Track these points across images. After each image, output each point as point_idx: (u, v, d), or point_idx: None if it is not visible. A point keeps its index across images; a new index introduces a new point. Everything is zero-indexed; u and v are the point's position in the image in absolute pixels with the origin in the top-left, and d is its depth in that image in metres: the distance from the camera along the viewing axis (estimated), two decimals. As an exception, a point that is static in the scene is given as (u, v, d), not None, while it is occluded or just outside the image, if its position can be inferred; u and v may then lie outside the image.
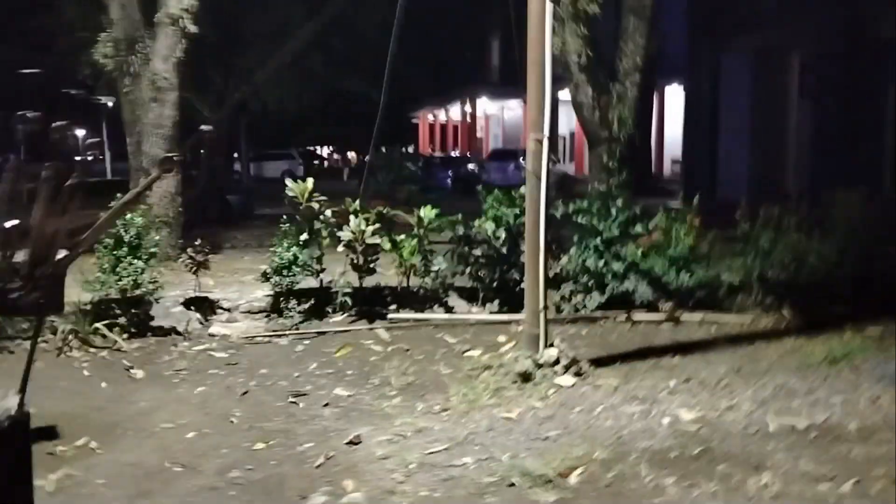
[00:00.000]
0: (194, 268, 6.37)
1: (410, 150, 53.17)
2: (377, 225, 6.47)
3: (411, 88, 45.26)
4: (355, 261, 6.57)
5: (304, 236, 6.51)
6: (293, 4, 14.07)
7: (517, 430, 4.02)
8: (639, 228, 6.55)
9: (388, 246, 6.55)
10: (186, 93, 14.99)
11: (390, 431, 4.04)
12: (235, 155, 29.36)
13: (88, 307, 6.03)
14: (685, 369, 4.95)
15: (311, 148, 51.80)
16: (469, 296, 6.92)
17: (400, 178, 19.21)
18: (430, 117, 50.73)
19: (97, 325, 5.89)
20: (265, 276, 6.48)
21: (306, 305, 6.48)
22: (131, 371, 5.30)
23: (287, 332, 6.17)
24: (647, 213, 6.73)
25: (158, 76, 7.92)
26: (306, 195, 6.45)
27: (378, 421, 4.23)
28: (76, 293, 6.10)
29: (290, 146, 44.15)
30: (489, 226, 6.68)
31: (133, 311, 6.08)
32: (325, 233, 6.54)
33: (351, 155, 52.99)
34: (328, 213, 6.56)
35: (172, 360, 5.54)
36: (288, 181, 6.57)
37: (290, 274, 6.46)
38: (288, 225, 6.61)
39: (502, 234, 6.68)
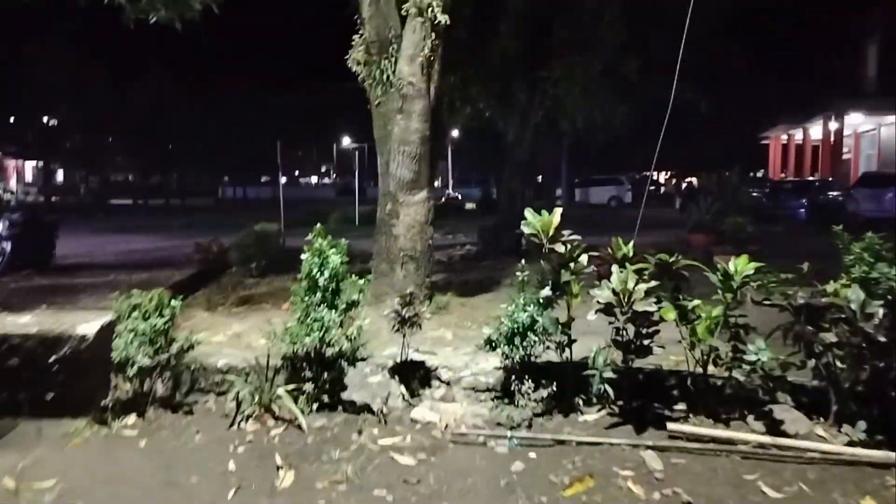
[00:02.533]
0: (397, 327, 4.78)
1: (759, 174, 47.36)
2: (653, 282, 4.18)
3: (761, 104, 40.14)
4: (619, 333, 4.37)
5: (545, 292, 4.52)
6: (605, 4, 12.12)
7: None
8: None
9: (671, 315, 4.21)
10: (487, 103, 14.31)
11: None
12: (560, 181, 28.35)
13: (280, 364, 4.83)
14: None
15: (646, 173, 49.05)
16: (811, 405, 4.25)
17: (731, 205, 15.92)
18: (784, 137, 44.39)
19: (280, 390, 4.63)
20: (490, 344, 4.62)
21: (547, 391, 4.47)
22: (279, 472, 3.85)
23: (512, 433, 4.22)
24: None
25: (403, 80, 6.62)
26: (550, 232, 4.45)
27: None
28: (263, 345, 4.98)
29: (624, 170, 42.23)
30: (853, 293, 3.96)
31: (325, 374, 4.72)
32: (575, 288, 4.47)
33: (691, 181, 48.86)
34: (583, 259, 4.47)
35: (339, 462, 3.97)
36: (527, 213, 4.63)
37: (526, 343, 4.51)
38: (524, 274, 4.68)
39: (877, 310, 3.92)
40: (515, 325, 4.51)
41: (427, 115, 6.66)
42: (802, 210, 24.03)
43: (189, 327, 6.77)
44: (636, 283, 4.09)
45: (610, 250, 4.56)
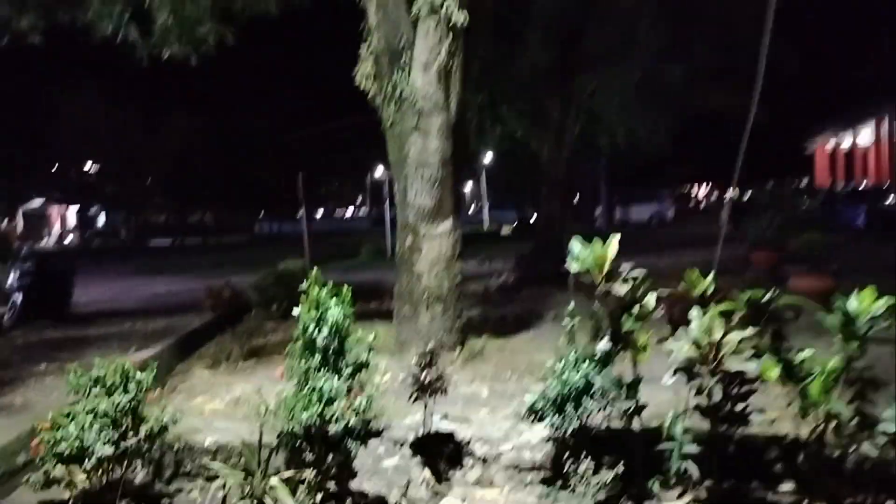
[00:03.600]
0: (416, 395, 3.83)
1: (804, 183, 45.42)
2: (748, 330, 3.16)
3: (806, 110, 38.51)
4: (703, 392, 3.36)
5: (603, 345, 3.54)
6: (643, 6, 11.10)
7: None
8: None
9: (774, 374, 3.18)
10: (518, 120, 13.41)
11: None
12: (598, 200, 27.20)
13: (276, 443, 3.92)
14: None
15: (685, 189, 47.50)
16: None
17: (791, 218, 14.64)
18: (830, 143, 42.52)
19: (274, 479, 3.71)
20: (535, 413, 3.64)
21: (612, 471, 3.47)
22: None
23: (568, 530, 3.22)
24: None
25: (417, 93, 5.73)
26: (606, 267, 3.47)
27: None
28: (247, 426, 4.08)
29: (663, 186, 40.82)
30: None
31: (330, 457, 3.79)
32: (642, 338, 3.47)
33: (732, 194, 47.00)
34: (650, 300, 3.47)
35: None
36: (574, 244, 3.65)
37: (581, 411, 3.53)
38: (573, 321, 3.71)
39: None
40: (566, 389, 3.53)
41: (447, 132, 5.76)
42: (860, 218, 22.47)
43: (185, 390, 5.95)
44: (725, 333, 3.07)
45: (683, 285, 3.57)
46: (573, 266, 3.53)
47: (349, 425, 3.72)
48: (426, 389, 3.75)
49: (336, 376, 3.75)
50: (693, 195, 50.70)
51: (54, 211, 57.29)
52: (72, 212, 59.02)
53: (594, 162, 23.38)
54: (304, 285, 3.90)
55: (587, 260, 3.49)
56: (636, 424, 3.55)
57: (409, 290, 5.98)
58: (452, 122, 5.87)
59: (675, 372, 3.26)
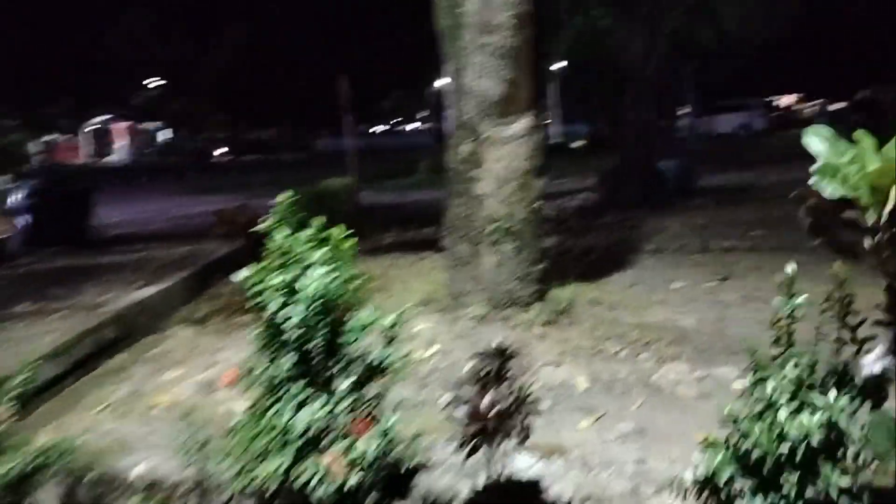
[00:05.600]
0: (470, 443, 2.00)
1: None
2: None
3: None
4: None
5: (875, 358, 1.64)
6: None
7: None
8: None
9: None
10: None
11: None
12: (682, 107, 24.29)
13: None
14: None
15: (771, 98, 43.08)
16: None
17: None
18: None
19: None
20: (709, 490, 1.80)
21: None
22: None
23: None
24: None
25: None
26: (893, 197, 1.52)
27: None
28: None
29: (752, 95, 37.04)
30: None
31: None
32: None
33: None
34: None
35: None
36: (813, 139, 1.70)
37: (814, 485, 1.68)
38: (790, 275, 1.76)
39: None
40: (782, 445, 1.68)
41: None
42: None
43: (158, 357, 4.37)
44: None
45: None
46: (825, 185, 1.59)
47: (346, 490, 1.98)
48: (493, 438, 1.93)
49: (328, 398, 1.99)
50: (787, 104, 46.10)
51: (118, 128, 57.43)
52: (136, 128, 59.07)
53: (681, 65, 20.51)
54: (265, 223, 2.13)
55: (853, 176, 1.55)
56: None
57: (467, 221, 4.14)
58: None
59: None
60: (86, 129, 53.96)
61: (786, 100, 48.86)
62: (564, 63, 22.78)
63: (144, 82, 51.81)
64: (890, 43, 36.99)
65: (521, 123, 3.98)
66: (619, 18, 10.98)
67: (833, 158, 1.58)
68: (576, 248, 7.19)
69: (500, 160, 3.99)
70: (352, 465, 1.93)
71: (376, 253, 7.65)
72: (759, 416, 1.75)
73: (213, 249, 8.64)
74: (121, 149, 54.71)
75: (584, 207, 10.46)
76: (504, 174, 4.00)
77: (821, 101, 45.07)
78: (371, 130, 64.17)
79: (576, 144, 30.39)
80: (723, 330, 4.01)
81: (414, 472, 2.13)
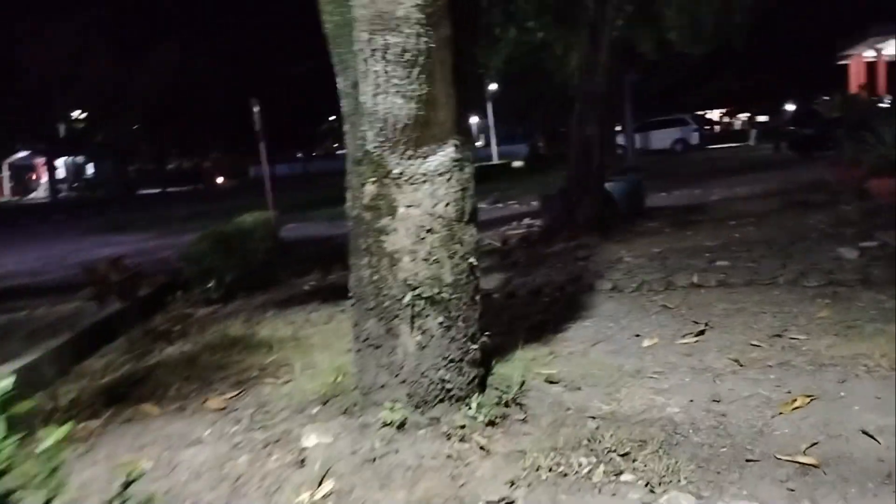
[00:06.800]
0: None
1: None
2: None
3: (839, 17, 34.41)
4: None
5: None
6: None
7: None
8: None
9: None
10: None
11: None
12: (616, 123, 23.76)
13: None
14: None
15: (701, 112, 43.53)
16: None
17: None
18: (870, 53, 38.44)
19: None
20: None
21: None
22: None
23: None
24: None
25: None
26: None
27: None
28: None
29: (681, 110, 37.22)
30: None
31: None
32: None
33: (761, 119, 42.79)
34: None
35: None
36: None
37: None
38: None
39: None
40: None
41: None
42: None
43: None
44: None
45: None
46: None
47: None
48: None
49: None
50: (719, 118, 46.76)
51: (40, 163, 54.47)
52: (59, 163, 56.14)
53: (621, 78, 19.97)
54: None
55: None
56: None
57: (377, 288, 3.02)
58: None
59: None
60: (7, 165, 51.20)
61: (713, 114, 49.61)
62: (500, 78, 22.01)
63: (71, 114, 49.31)
64: (808, 56, 37.80)
65: (443, 155, 2.89)
66: (559, 29, 10.13)
67: None
68: (523, 289, 6.16)
69: (416, 205, 2.89)
70: None
71: (289, 305, 6.46)
72: None
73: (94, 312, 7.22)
74: (45, 185, 52.18)
75: (531, 236, 9.48)
76: (423, 223, 2.91)
77: (747, 115, 45.90)
78: (313, 154, 62.64)
79: (517, 164, 29.67)
80: (724, 422, 2.99)
81: None
